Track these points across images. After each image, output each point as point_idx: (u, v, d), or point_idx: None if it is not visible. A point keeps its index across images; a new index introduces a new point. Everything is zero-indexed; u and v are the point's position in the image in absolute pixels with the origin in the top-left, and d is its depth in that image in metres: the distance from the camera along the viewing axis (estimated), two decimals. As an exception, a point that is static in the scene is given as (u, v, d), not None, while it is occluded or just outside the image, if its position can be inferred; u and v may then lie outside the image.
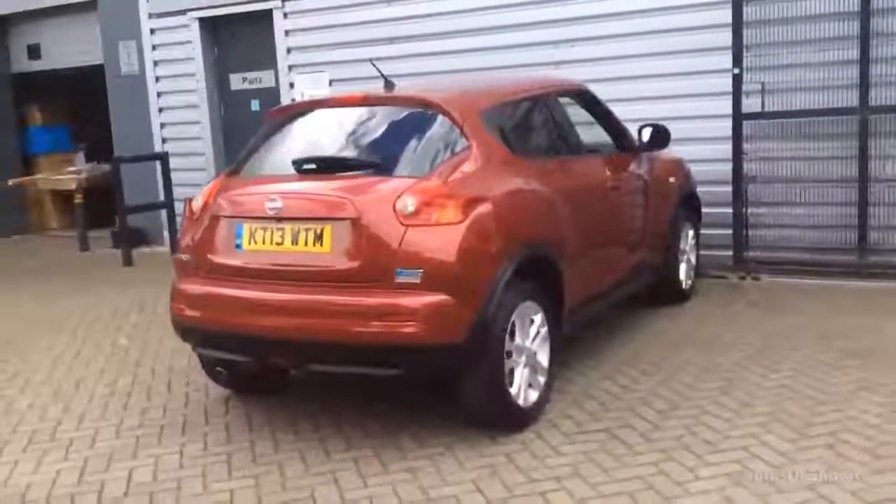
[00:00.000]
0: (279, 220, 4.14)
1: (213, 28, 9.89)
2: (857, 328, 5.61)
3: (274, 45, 9.36)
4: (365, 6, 8.71)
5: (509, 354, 4.22)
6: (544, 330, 4.48)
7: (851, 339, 5.39)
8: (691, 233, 6.60)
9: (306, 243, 4.08)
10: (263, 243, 4.19)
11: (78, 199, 10.86)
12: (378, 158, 4.25)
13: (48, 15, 11.66)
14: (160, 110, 10.34)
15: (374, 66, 4.90)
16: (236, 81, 9.93)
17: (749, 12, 6.84)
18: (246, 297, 4.18)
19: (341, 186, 4.15)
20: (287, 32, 9.25)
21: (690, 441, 4.05)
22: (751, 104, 6.92)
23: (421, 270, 3.91)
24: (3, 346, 6.43)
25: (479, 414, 4.26)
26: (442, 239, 3.95)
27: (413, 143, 4.36)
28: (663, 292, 6.36)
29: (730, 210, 7.11)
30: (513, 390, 4.22)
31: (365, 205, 4.01)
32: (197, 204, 4.52)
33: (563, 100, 5.43)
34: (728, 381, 4.78)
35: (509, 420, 4.26)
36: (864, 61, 6.52)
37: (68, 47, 11.65)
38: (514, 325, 4.23)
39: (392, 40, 8.54)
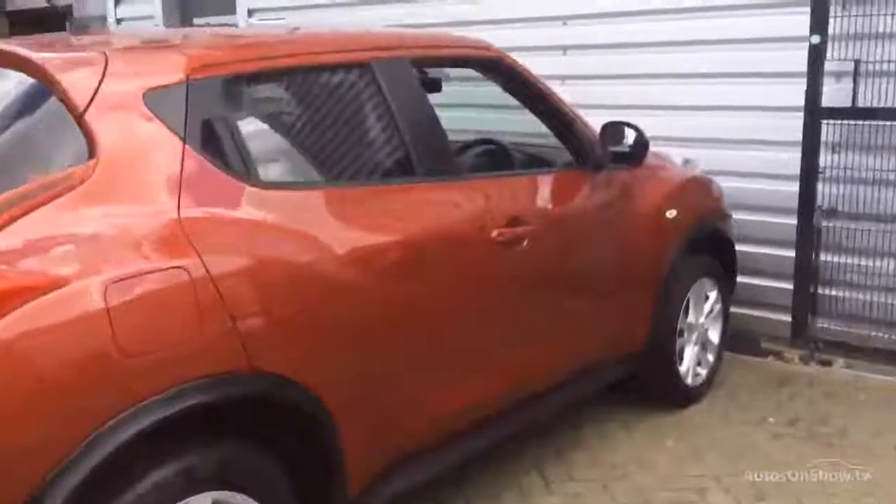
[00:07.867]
0: None
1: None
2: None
3: (234, -15, 7.36)
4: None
5: None
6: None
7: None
8: (713, 295, 4.15)
9: None
10: None
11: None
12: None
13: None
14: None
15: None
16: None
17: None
18: None
19: None
20: (246, -30, 7.22)
21: None
22: (836, 93, 4.36)
23: None
24: None
25: None
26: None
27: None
28: (651, 387, 3.99)
29: (792, 254, 4.61)
30: None
31: None
32: None
33: (433, 74, 3.15)
34: None
35: None
36: None
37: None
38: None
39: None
